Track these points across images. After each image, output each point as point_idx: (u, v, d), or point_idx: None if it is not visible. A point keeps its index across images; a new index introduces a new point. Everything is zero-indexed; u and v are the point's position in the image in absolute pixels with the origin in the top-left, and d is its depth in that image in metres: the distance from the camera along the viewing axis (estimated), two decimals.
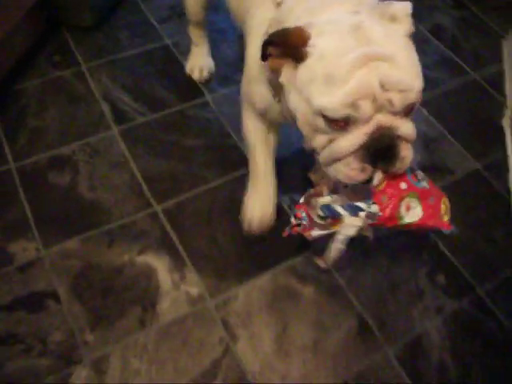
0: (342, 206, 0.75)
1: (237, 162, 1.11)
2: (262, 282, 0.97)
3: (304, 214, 0.79)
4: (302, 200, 0.81)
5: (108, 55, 1.30)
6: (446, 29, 1.50)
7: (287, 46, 0.68)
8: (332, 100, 0.64)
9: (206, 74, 1.27)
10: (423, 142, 1.22)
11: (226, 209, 1.05)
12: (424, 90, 0.68)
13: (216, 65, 1.30)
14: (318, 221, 0.78)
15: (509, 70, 1.41)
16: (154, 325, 0.92)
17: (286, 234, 0.82)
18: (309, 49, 0.66)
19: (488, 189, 1.17)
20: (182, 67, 1.29)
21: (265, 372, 0.89)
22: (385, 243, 1.04)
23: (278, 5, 0.77)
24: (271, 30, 0.72)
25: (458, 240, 1.07)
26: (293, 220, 0.81)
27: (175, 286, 0.96)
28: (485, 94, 1.36)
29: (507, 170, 1.19)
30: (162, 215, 1.03)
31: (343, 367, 0.91)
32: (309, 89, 0.67)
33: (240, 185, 1.05)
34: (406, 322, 0.96)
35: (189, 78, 1.27)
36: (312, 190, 0.82)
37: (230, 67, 1.30)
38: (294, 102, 0.71)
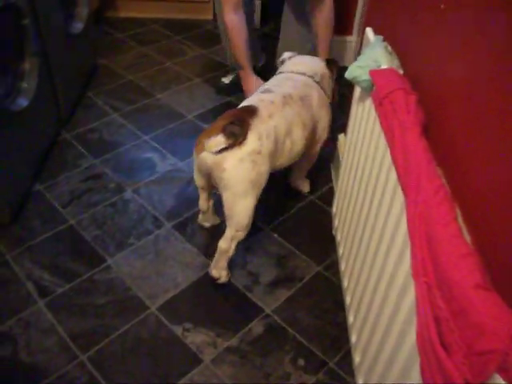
0: None
1: (137, 307, 1.56)
2: None
3: None
4: None
5: (26, 242, 1.74)
6: None
7: None
8: None
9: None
10: (276, 260, 1.73)
11: (135, 347, 1.48)
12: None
13: (112, 232, 1.78)
14: None
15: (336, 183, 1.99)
16: None
17: None
18: None
19: (329, 284, 1.67)
20: (85, 241, 1.76)
21: None
22: (257, 343, 1.50)
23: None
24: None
25: (312, 329, 1.55)
26: None
27: None
28: (321, 210, 1.93)
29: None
30: (87, 362, 1.44)
31: None
32: None
33: (142, 326, 1.50)
34: None
35: (92, 250, 1.73)
36: None
37: (123, 233, 1.78)
38: None
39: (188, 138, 2.24)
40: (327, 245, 1.79)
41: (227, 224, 1.54)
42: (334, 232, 1.80)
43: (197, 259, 1.72)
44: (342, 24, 2.64)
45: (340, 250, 1.56)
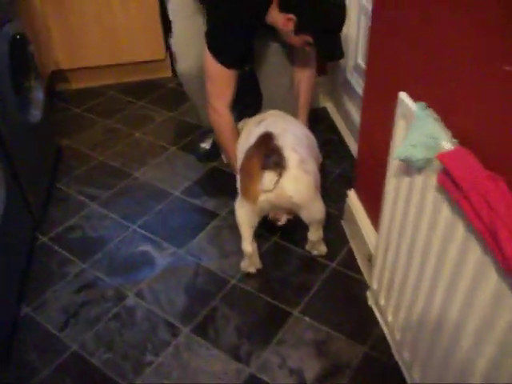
0: None
1: None
2: None
3: None
4: None
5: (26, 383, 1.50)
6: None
7: None
8: None
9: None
10: (315, 348, 1.55)
11: None
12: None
13: (124, 352, 1.55)
14: None
15: (354, 245, 1.84)
16: None
17: None
18: None
19: (381, 366, 1.50)
20: (96, 368, 1.51)
21: None
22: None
23: None
24: None
25: None
26: None
27: None
28: (347, 278, 1.77)
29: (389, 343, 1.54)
30: None
31: None
32: None
33: None
34: None
35: (106, 378, 1.49)
36: None
37: (137, 350, 1.56)
38: None
39: (181, 219, 2.04)
40: (365, 318, 1.63)
41: (310, 224, 1.71)
42: (370, 303, 1.64)
43: (228, 366, 1.51)
44: None
45: (396, 336, 1.39)
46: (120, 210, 2.08)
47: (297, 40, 1.73)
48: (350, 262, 1.82)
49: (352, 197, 1.85)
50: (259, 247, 1.80)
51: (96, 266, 1.84)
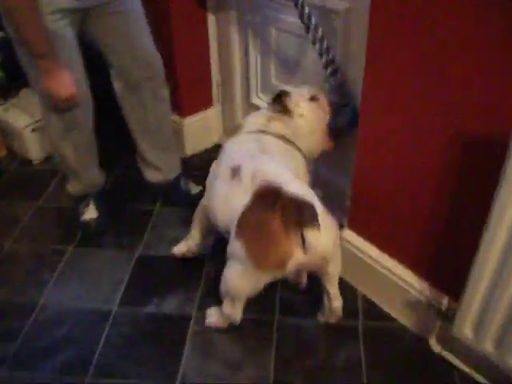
0: None
1: None
2: None
3: None
4: None
5: None
6: None
7: None
8: None
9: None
10: None
11: None
12: None
13: None
14: None
15: (369, 291, 1.54)
16: None
17: None
18: None
19: None
20: None
21: None
22: None
23: None
24: None
25: None
26: None
27: None
28: (386, 332, 1.47)
29: None
30: None
31: None
32: None
33: None
34: None
35: None
36: None
37: None
38: None
39: (145, 341, 1.46)
40: (437, 369, 1.36)
41: (332, 285, 1.38)
42: (438, 351, 1.38)
43: None
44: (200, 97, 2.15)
45: None
46: (50, 362, 1.41)
47: None
48: (374, 311, 1.53)
49: (349, 237, 1.54)
50: (268, 338, 1.40)
51: None
